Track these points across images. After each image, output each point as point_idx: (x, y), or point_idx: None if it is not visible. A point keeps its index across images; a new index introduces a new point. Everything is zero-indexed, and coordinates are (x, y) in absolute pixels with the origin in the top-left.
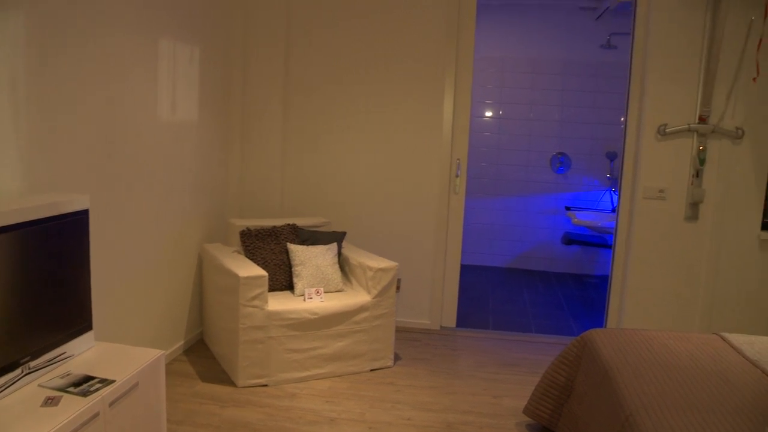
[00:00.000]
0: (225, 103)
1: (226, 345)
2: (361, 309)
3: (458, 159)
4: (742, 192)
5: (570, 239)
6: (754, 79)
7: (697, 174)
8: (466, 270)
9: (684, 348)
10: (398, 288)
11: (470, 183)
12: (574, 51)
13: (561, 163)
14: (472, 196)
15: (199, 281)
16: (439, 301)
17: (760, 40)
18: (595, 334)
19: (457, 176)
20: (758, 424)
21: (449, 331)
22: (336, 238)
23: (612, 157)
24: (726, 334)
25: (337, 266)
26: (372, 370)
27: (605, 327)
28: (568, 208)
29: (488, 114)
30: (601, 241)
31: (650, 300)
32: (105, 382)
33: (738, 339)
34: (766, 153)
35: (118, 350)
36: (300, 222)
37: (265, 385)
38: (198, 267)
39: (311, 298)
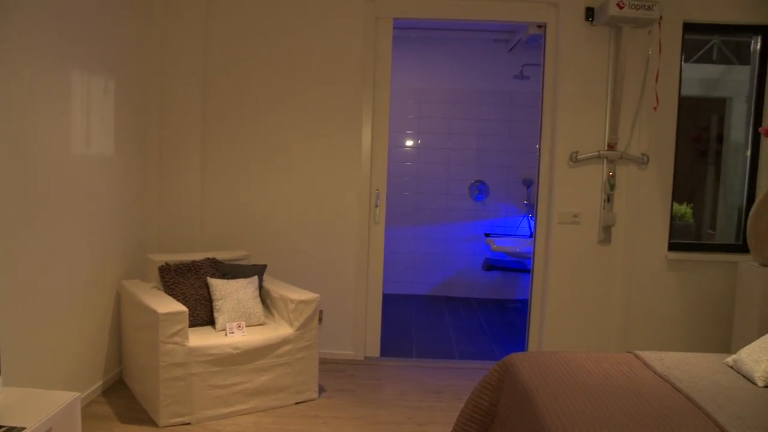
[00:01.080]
0: (142, 135)
1: (147, 383)
2: (284, 342)
3: (377, 189)
4: (650, 215)
5: (490, 265)
6: (655, 108)
7: (609, 198)
8: (388, 299)
9: (600, 367)
10: (320, 319)
11: (392, 212)
12: (490, 81)
13: (479, 190)
14: (394, 225)
15: (118, 319)
16: (362, 331)
17: (657, 72)
18: (515, 358)
19: (376, 206)
20: None
21: (373, 360)
22: (257, 271)
23: (528, 183)
24: (639, 352)
25: (258, 299)
26: (297, 403)
27: (526, 350)
28: (487, 235)
29: (408, 144)
30: (520, 266)
31: (569, 322)
32: (14, 430)
33: (649, 356)
34: (669, 177)
35: (29, 395)
36: (220, 256)
37: (188, 424)
38: (116, 304)
39: (233, 332)
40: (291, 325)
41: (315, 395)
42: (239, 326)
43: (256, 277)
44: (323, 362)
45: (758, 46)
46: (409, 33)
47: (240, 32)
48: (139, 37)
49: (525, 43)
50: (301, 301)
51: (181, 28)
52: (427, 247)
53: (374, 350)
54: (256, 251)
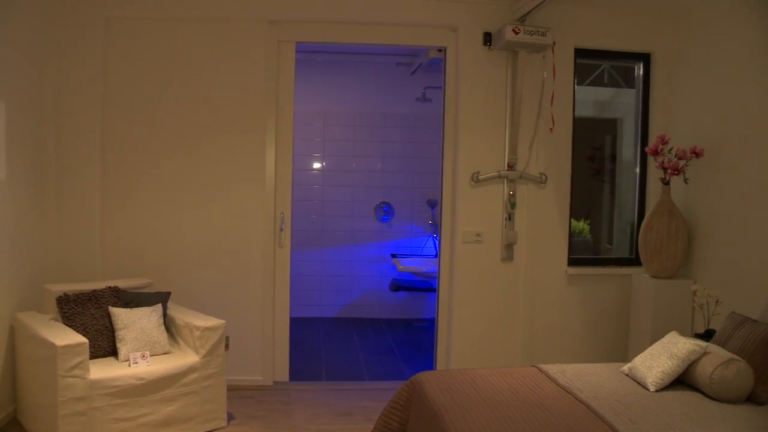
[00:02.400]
0: (38, 160)
1: (44, 421)
2: (190, 370)
3: (282, 213)
4: (550, 232)
5: (397, 285)
6: (551, 129)
7: (510, 217)
8: (297, 323)
9: (506, 382)
10: (227, 346)
11: (299, 235)
12: (393, 104)
13: (385, 212)
14: (301, 248)
15: (12, 355)
16: (270, 355)
17: (552, 95)
18: (423, 377)
19: (281, 230)
20: None
21: (282, 385)
22: (161, 298)
23: (433, 204)
24: (542, 365)
25: (162, 328)
26: None
27: (435, 368)
28: (393, 256)
29: (315, 166)
30: (427, 286)
31: (475, 339)
32: None
33: (552, 369)
34: (567, 195)
35: None
36: (122, 284)
37: None
38: (10, 339)
39: (137, 362)
40: (197, 352)
41: (224, 423)
42: (143, 356)
43: (159, 304)
44: (231, 389)
45: (641, 72)
46: (315, 56)
47: (140, 56)
48: (33, 59)
49: (427, 67)
50: (207, 328)
51: (79, 40)
52: (334, 269)
53: (283, 374)
54: (159, 278)
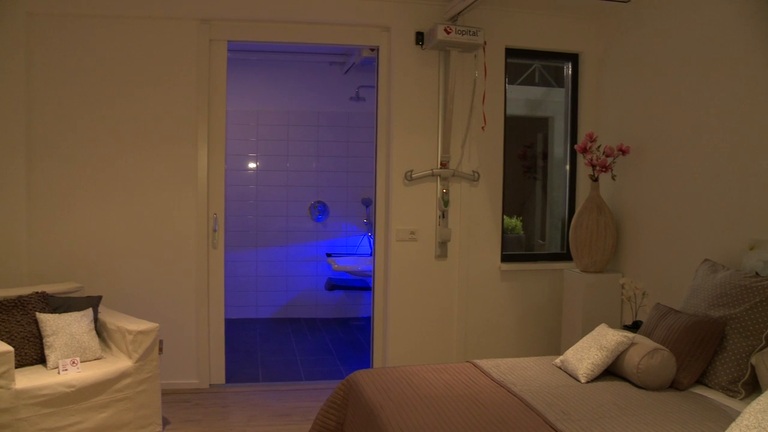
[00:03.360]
0: None
1: None
2: (123, 375)
3: (215, 213)
4: (483, 229)
5: (333, 285)
6: (483, 127)
7: (443, 215)
8: (232, 324)
9: (441, 378)
10: (161, 349)
11: (234, 236)
12: (327, 103)
13: (319, 211)
14: (237, 248)
15: None
16: (206, 358)
17: (484, 94)
18: (359, 375)
19: (215, 231)
20: None
21: (219, 388)
22: (91, 303)
23: (367, 203)
24: (477, 361)
25: (93, 333)
26: None
27: (372, 367)
28: (329, 255)
29: (250, 166)
30: (362, 284)
31: (411, 336)
32: None
33: (486, 363)
34: (499, 192)
35: None
36: (50, 289)
37: None
38: None
39: (66, 369)
40: (130, 357)
41: (159, 428)
42: (73, 362)
43: (90, 309)
44: (166, 393)
45: (570, 72)
46: (248, 56)
47: (66, 54)
48: None
49: (360, 66)
50: (140, 332)
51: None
52: (270, 270)
53: (219, 377)
54: (89, 283)
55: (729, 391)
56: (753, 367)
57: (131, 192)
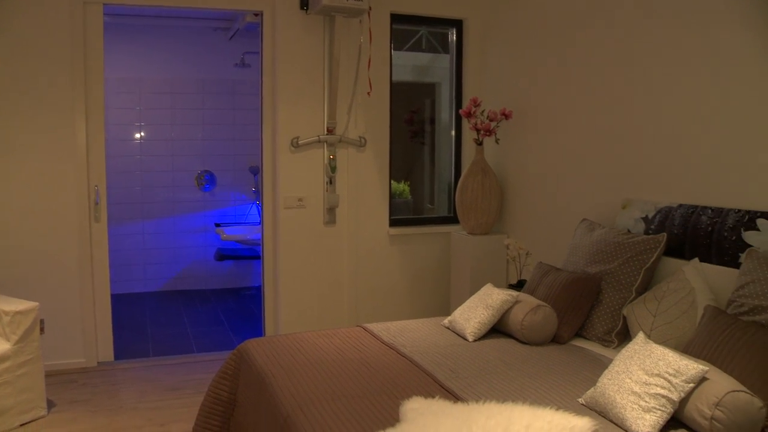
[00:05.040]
0: None
1: None
2: (1, 359)
3: (96, 185)
4: (371, 194)
5: (222, 255)
6: (369, 93)
7: (331, 181)
8: (120, 300)
9: (332, 344)
10: (42, 329)
11: (119, 208)
12: (211, 70)
13: (206, 180)
14: (122, 221)
15: None
16: (92, 335)
17: (369, 60)
18: (249, 344)
19: (96, 203)
20: (398, 400)
21: (107, 365)
22: None
23: (255, 171)
24: (367, 325)
25: None
26: (22, 424)
27: (264, 336)
28: (217, 225)
29: (134, 136)
30: (252, 254)
31: (303, 303)
32: None
33: (376, 327)
34: (386, 158)
35: None
36: None
37: None
38: None
39: None
40: (8, 339)
41: (44, 412)
42: None
43: None
44: (51, 375)
45: (454, 38)
46: (131, 21)
47: None
48: None
49: (244, 32)
50: (18, 312)
51: None
52: (157, 242)
53: (107, 354)
54: None
55: (604, 341)
56: (624, 318)
57: (5, 164)
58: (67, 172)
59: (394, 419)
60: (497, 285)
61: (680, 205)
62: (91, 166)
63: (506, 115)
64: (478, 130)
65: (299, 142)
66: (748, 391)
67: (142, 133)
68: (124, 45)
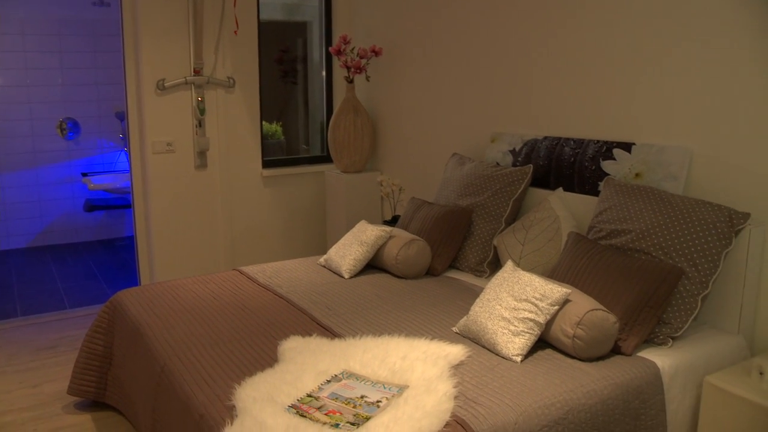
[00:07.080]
0: None
1: None
2: None
3: None
4: (242, 136)
5: (92, 205)
6: (235, 32)
7: (200, 124)
8: None
9: (207, 289)
10: None
11: None
12: (68, 9)
13: (70, 128)
14: None
15: None
16: None
17: None
18: (122, 295)
19: None
20: (276, 340)
21: None
22: None
23: (121, 117)
24: (242, 268)
25: None
26: None
27: (139, 286)
28: (84, 174)
29: None
30: (124, 202)
31: (178, 251)
32: None
33: (252, 269)
34: (256, 98)
35: None
36: None
37: None
38: None
39: None
40: None
41: None
42: None
43: None
44: None
45: None
46: None
47: None
48: None
49: None
50: None
51: None
52: (19, 196)
53: None
54: None
55: (476, 271)
56: (495, 248)
57: None
58: None
59: (273, 360)
60: (372, 222)
61: (545, 138)
62: None
63: (376, 52)
64: (348, 68)
65: (165, 85)
66: (604, 309)
67: None
68: None
